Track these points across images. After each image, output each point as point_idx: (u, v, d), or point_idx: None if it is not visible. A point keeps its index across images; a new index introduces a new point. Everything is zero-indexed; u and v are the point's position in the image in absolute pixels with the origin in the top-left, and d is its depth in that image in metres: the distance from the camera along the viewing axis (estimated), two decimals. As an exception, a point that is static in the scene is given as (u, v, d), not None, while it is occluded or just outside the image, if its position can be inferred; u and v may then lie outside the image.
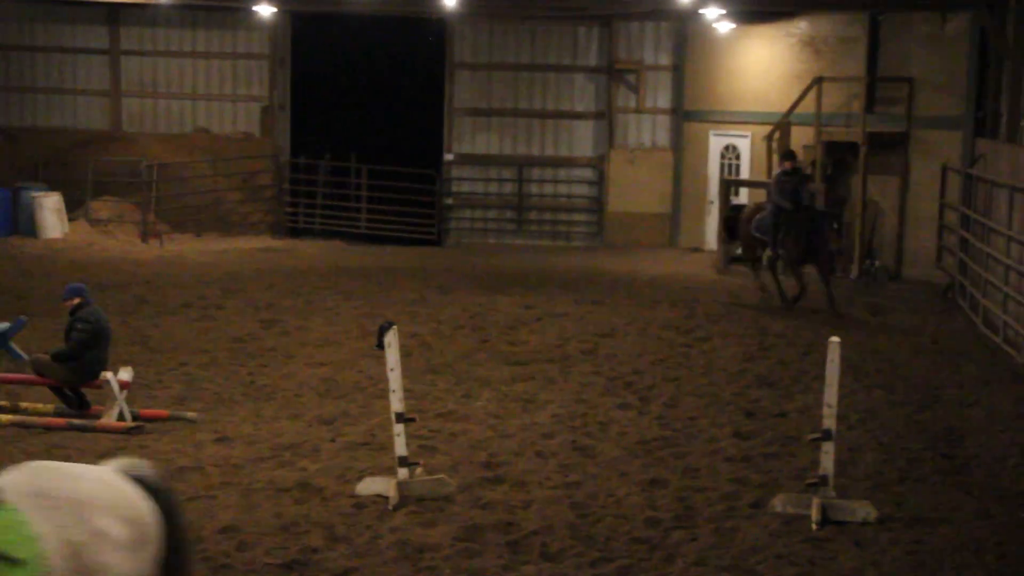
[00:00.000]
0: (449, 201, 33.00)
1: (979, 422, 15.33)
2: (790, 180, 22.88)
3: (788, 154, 24.09)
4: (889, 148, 29.09)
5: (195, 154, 33.12)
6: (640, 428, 14.70)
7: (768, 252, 23.54)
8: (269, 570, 10.10)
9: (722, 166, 31.16)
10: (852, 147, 28.94)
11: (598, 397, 16.14)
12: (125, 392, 14.19)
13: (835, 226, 23.77)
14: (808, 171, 28.90)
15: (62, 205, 31.72)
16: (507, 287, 24.88)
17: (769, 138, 29.79)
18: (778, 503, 11.84)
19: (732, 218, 26.07)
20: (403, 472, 11.92)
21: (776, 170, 24.61)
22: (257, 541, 10.68)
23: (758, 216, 24.19)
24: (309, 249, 30.56)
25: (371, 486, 11.99)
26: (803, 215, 22.88)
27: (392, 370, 12.08)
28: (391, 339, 12.13)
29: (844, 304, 23.07)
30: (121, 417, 14.12)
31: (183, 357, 17.79)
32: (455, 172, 33.03)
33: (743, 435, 14.41)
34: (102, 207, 32.30)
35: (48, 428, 14.08)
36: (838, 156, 29.22)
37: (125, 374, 14.31)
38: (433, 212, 32.71)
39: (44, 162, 32.89)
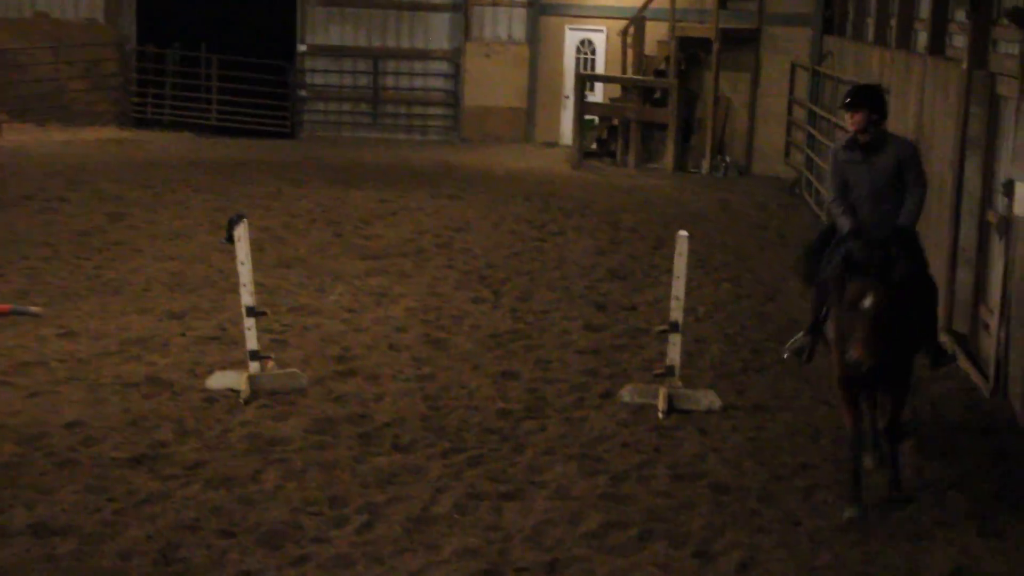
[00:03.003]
0: (303, 93, 32.65)
1: (822, 314, 15.69)
2: (860, 163, 9.80)
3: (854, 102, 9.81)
4: (741, 44, 29.47)
5: (35, 40, 32.28)
6: (493, 321, 14.83)
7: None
8: (116, 464, 10.02)
9: (578, 61, 31.19)
10: (705, 43, 29.21)
11: (452, 291, 16.24)
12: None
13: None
14: (663, 67, 29.18)
15: None
16: (362, 181, 24.81)
17: (624, 33, 30.03)
18: (626, 393, 12.06)
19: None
20: (254, 366, 11.92)
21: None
22: (104, 436, 10.61)
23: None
24: (157, 141, 30.14)
25: (222, 380, 11.97)
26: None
27: (242, 264, 12.03)
28: (241, 232, 12.06)
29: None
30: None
31: (25, 251, 17.51)
32: (309, 64, 32.65)
33: (594, 327, 14.61)
34: (-60, 96, 31.52)
35: None
36: (691, 52, 29.43)
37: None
38: (286, 104, 32.36)
39: None
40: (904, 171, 9.69)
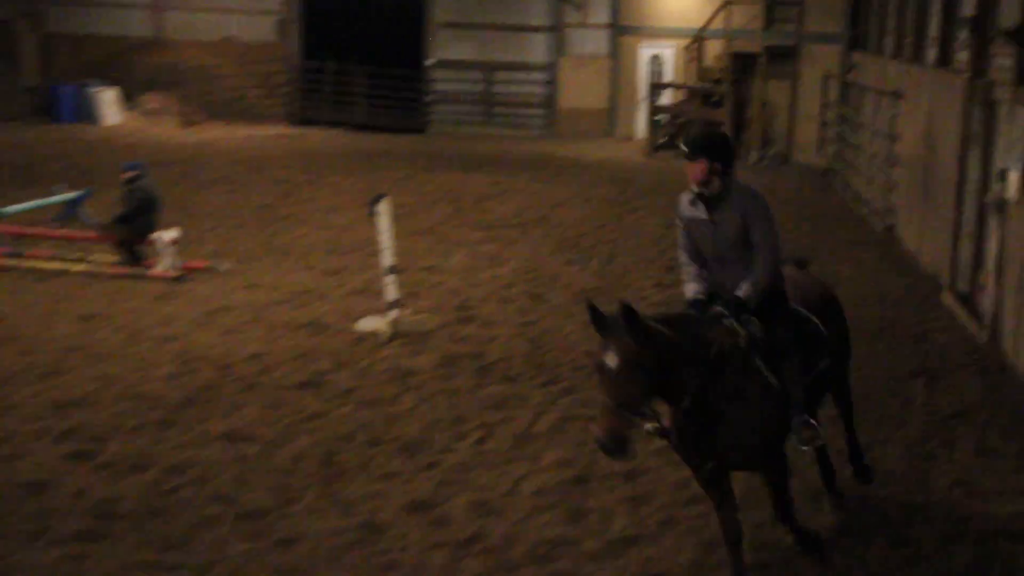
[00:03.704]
0: (430, 97, 32.75)
1: (848, 274, 15.52)
2: (704, 220, 6.89)
3: (692, 150, 6.80)
4: (783, 58, 29.18)
5: (224, 58, 32.73)
6: (582, 280, 14.82)
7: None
8: (288, 388, 10.20)
9: (650, 72, 31.07)
10: (753, 57, 28.97)
11: (549, 255, 16.23)
12: (172, 248, 14.19)
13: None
14: (719, 77, 28.94)
15: (118, 98, 31.46)
16: (477, 167, 24.84)
17: (687, 49, 30.00)
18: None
19: None
20: (393, 313, 12.03)
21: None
22: (278, 366, 10.79)
23: None
24: (316, 135, 30.32)
25: (368, 323, 12.10)
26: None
27: (383, 232, 12.15)
28: (382, 207, 12.17)
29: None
30: (169, 267, 14.15)
31: (217, 221, 17.76)
32: (435, 74, 32.74)
33: (663, 285, 14.54)
34: (151, 100, 31.96)
35: (111, 276, 14.09)
36: (742, 64, 29.20)
37: (172, 234, 14.29)
38: (417, 106, 32.48)
39: (104, 63, 32.47)
40: (750, 229, 6.59)
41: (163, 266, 14.11)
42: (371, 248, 13.58)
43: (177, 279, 13.95)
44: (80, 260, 14.50)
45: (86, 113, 30.95)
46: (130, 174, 14.57)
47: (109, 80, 31.74)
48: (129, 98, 31.85)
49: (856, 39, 27.03)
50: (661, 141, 29.01)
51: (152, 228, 14.31)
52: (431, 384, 10.43)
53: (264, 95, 33.11)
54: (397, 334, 11.82)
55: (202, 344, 11.39)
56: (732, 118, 28.19)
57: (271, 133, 30.38)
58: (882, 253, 17.32)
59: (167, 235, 14.20)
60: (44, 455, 8.42)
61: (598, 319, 6.13)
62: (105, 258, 14.51)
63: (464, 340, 11.88)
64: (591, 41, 32.18)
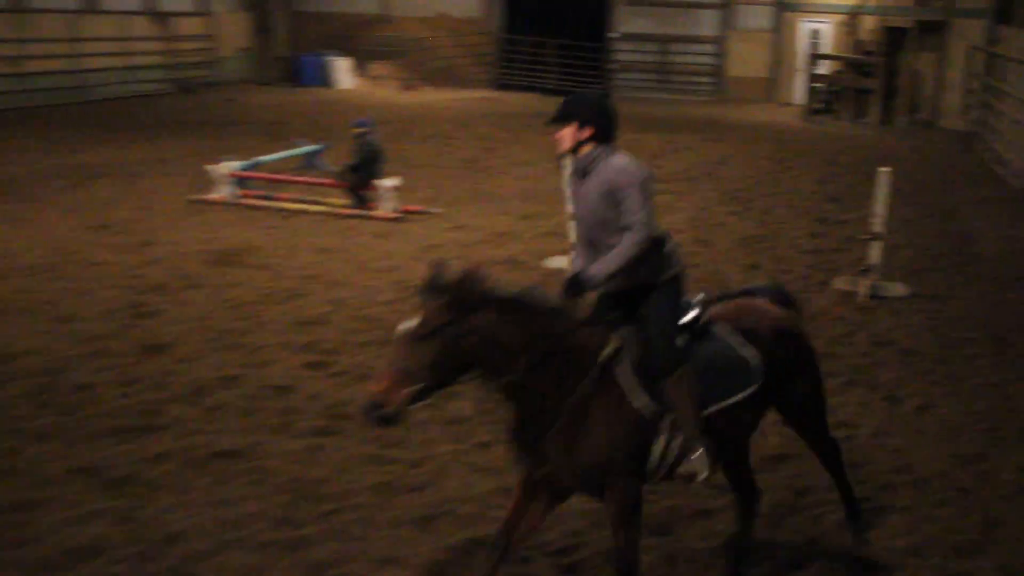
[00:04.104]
0: (613, 66, 32.44)
1: (985, 230, 14.87)
2: (576, 190, 5.25)
3: (557, 115, 5.19)
4: (931, 31, 27.98)
5: (437, 31, 33.05)
6: (744, 228, 14.56)
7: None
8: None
9: (809, 44, 30.14)
10: (904, 31, 27.83)
11: (714, 206, 15.98)
12: (393, 193, 14.46)
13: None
14: (872, 49, 27.88)
15: (351, 66, 32.13)
16: (653, 128, 24.53)
17: (844, 23, 29.05)
18: (839, 282, 11.71)
19: None
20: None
21: None
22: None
23: None
24: (514, 99, 30.38)
25: (555, 262, 12.13)
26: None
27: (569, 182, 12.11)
28: (568, 162, 12.13)
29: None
30: (390, 210, 14.43)
31: (429, 171, 18.01)
32: (618, 45, 32.40)
33: (816, 235, 14.20)
34: (377, 68, 32.57)
35: (343, 216, 14.47)
36: (893, 37, 28.07)
37: (393, 181, 14.56)
38: (601, 74, 32.22)
39: (339, 36, 33.19)
40: (620, 206, 4.91)
41: (385, 208, 14.41)
42: (559, 196, 13.54)
43: (396, 220, 14.24)
44: (318, 202, 14.92)
45: (324, 79, 31.77)
46: (360, 130, 14.88)
47: (343, 51, 32.46)
48: (359, 66, 32.52)
49: (1002, 14, 25.66)
50: (817, 107, 28.15)
51: (377, 176, 14.61)
52: (609, 315, 10.42)
53: (470, 63, 33.31)
54: (581, 271, 11.81)
55: (417, 275, 11.49)
56: (883, 86, 27.25)
57: (475, 96, 30.59)
58: (1017, 210, 16.49)
59: (389, 182, 14.48)
60: (288, 363, 8.73)
61: (433, 280, 4.68)
62: (338, 201, 14.90)
63: (638, 278, 11.79)
64: (757, 16, 31.38)
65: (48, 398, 7.78)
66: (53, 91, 25.27)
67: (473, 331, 4.64)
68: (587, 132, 5.03)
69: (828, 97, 28.42)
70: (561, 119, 5.07)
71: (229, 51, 32.08)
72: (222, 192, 15.00)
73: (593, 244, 5.06)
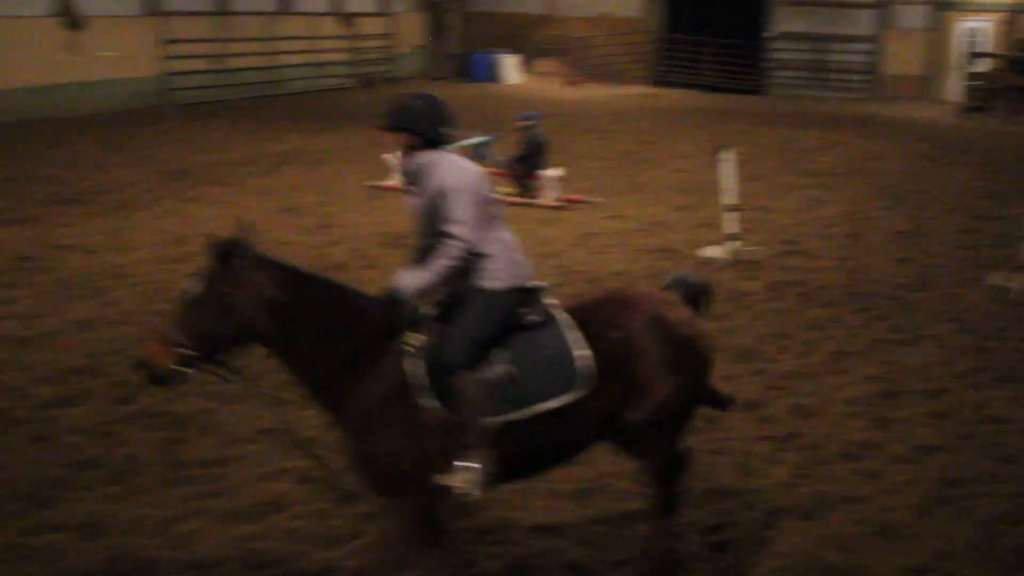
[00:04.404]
0: (769, 64, 31.63)
1: None
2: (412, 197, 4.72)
3: (385, 122, 4.68)
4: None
5: (599, 30, 32.83)
6: (895, 223, 13.97)
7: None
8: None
9: (965, 43, 28.73)
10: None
11: (866, 200, 15.39)
12: (556, 183, 14.43)
13: None
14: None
15: (518, 63, 32.26)
16: (806, 125, 23.83)
17: (1001, 23, 27.57)
18: (992, 277, 11.10)
19: None
20: (731, 243, 11.78)
21: None
22: (635, 282, 10.76)
23: None
24: (671, 95, 29.97)
25: (709, 251, 11.90)
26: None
27: (726, 176, 11.86)
28: (725, 155, 11.87)
29: None
30: (553, 199, 14.42)
31: (590, 162, 17.91)
32: (774, 44, 31.55)
33: (968, 231, 13.51)
34: (542, 64, 32.63)
35: (508, 204, 14.50)
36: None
37: (556, 171, 14.54)
38: (756, 71, 31.44)
39: (508, 34, 33.36)
40: (442, 210, 4.47)
41: (548, 197, 14.40)
42: (714, 189, 13.32)
43: (558, 208, 14.21)
44: (485, 190, 14.99)
45: (493, 74, 31.99)
46: (526, 123, 14.90)
47: (511, 48, 32.62)
48: (526, 63, 32.63)
49: None
50: (974, 105, 26.81)
51: (541, 167, 14.62)
52: (761, 304, 10.16)
53: (630, 61, 32.99)
54: (734, 261, 11.58)
55: (576, 261, 11.56)
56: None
57: (634, 92, 30.29)
58: None
59: (552, 172, 14.46)
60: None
61: (211, 244, 4.36)
62: (503, 189, 14.97)
63: (790, 269, 11.47)
64: (914, 16, 30.06)
65: (242, 366, 8.02)
66: (251, 85, 26.20)
67: (239, 294, 4.21)
68: (414, 139, 4.59)
69: (985, 95, 27.05)
70: (388, 127, 4.62)
71: (406, 48, 32.63)
72: (398, 179, 15.24)
73: (424, 251, 4.60)
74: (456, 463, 4.36)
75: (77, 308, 9.34)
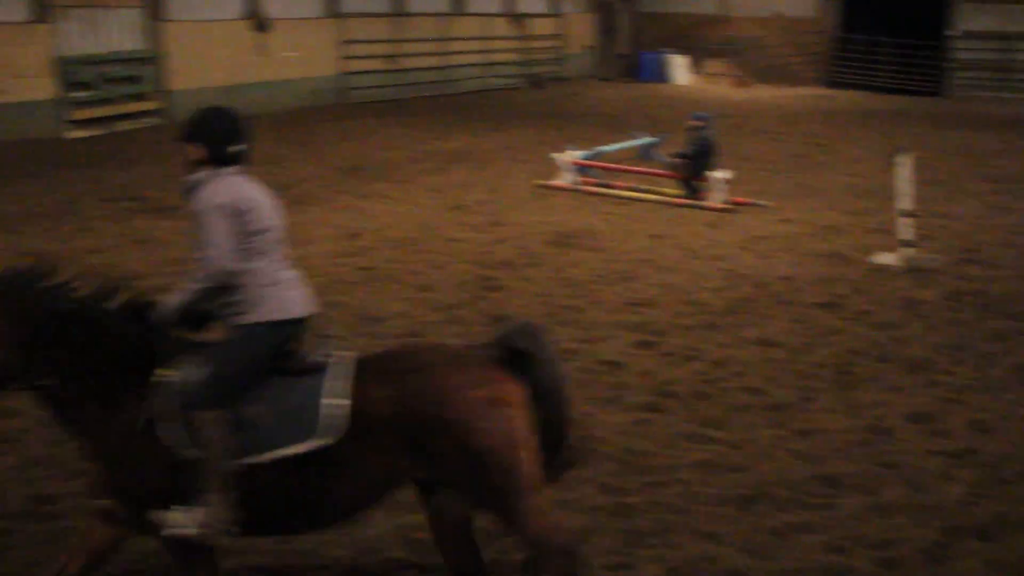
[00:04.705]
0: (950, 64, 30.23)
1: None
2: None
3: (182, 133, 4.56)
4: None
5: (771, 30, 32.14)
6: (1085, 232, 13.15)
7: None
8: (811, 307, 9.86)
9: None
10: None
11: (1054, 208, 14.55)
12: (724, 185, 14.20)
13: None
14: None
15: (686, 63, 31.92)
16: (988, 128, 22.68)
17: None
18: None
19: None
20: (906, 250, 11.33)
21: None
22: (804, 288, 10.50)
23: None
24: (845, 97, 29.02)
25: (883, 258, 11.48)
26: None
27: (901, 180, 11.42)
28: (901, 159, 11.43)
29: None
30: (720, 201, 14.18)
31: (759, 165, 17.53)
32: (958, 44, 30.13)
33: None
34: (711, 65, 32.17)
35: (675, 205, 14.37)
36: None
37: (725, 174, 14.30)
38: (935, 72, 30.11)
39: (677, 35, 33.05)
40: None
41: (716, 199, 14.18)
42: (888, 193, 12.84)
43: (726, 211, 13.98)
44: (652, 191, 14.90)
45: (661, 75, 31.77)
46: (697, 123, 14.71)
47: (681, 48, 32.28)
48: (695, 63, 32.23)
49: None
50: None
51: (710, 168, 14.41)
52: (937, 314, 9.72)
53: (802, 62, 32.16)
54: (909, 268, 11.13)
55: (743, 264, 11.35)
56: None
57: (806, 94, 29.49)
58: None
59: (721, 174, 14.24)
60: (619, 341, 8.78)
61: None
62: (670, 190, 14.83)
63: (969, 278, 10.92)
64: None
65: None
66: (424, 84, 26.80)
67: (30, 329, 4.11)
68: (200, 153, 4.38)
69: None
70: (182, 138, 4.43)
71: (576, 49, 32.71)
72: (565, 179, 15.32)
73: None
74: (178, 505, 4.20)
75: (258, 297, 9.77)
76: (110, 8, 20.20)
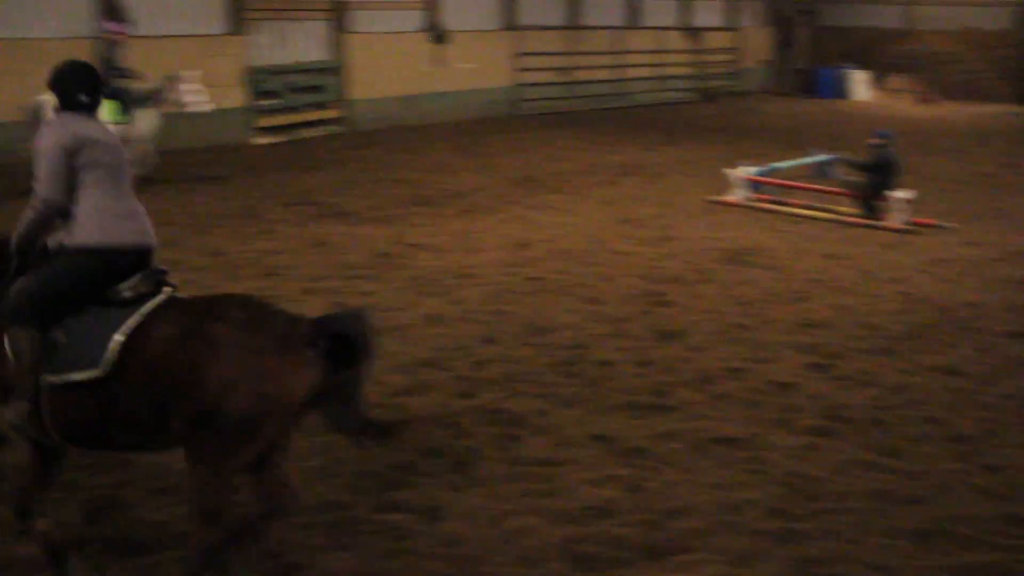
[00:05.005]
0: None
1: None
2: None
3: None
4: None
5: (962, 44, 30.74)
6: None
7: None
8: (998, 335, 9.27)
9: None
10: None
11: None
12: (905, 205, 13.60)
13: None
14: None
15: (867, 79, 30.92)
16: None
17: None
18: None
19: None
20: None
21: None
22: (991, 315, 9.87)
23: None
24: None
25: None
26: None
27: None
28: None
29: None
30: (901, 221, 13.62)
31: (944, 184, 16.71)
32: None
33: None
34: (894, 81, 31.04)
35: (852, 225, 13.88)
36: None
37: (906, 193, 13.72)
38: None
39: (858, 49, 32.04)
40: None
41: (895, 220, 13.62)
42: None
43: (906, 232, 13.41)
44: (827, 209, 14.44)
45: (840, 91, 30.89)
46: (878, 140, 14.20)
47: (861, 63, 31.29)
48: (876, 79, 31.18)
49: None
50: None
51: (890, 187, 13.86)
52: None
53: (994, 77, 30.63)
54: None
55: (923, 288, 10.84)
56: None
57: (997, 111, 28.05)
58: None
59: (902, 194, 13.67)
60: (790, 362, 8.51)
61: None
62: (847, 209, 14.33)
63: None
64: None
65: (575, 369, 8.21)
66: (597, 97, 26.82)
67: None
68: (57, 100, 4.84)
69: None
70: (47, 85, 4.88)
71: (751, 63, 32.12)
72: (737, 194, 15.02)
73: None
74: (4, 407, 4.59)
75: (427, 304, 9.91)
76: (298, 20, 21.04)
